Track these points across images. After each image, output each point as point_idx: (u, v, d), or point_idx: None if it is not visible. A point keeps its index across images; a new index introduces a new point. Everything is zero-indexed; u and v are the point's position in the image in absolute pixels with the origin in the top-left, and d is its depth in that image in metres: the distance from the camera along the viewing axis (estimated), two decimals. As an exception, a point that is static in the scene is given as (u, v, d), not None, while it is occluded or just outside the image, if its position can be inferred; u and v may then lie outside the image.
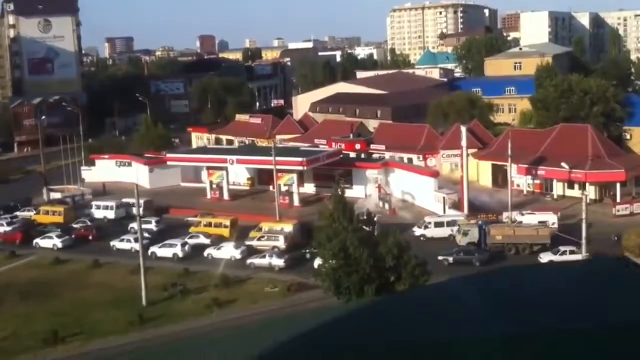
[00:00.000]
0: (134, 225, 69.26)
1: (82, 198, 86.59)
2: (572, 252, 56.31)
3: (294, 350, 5.04)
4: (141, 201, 78.14)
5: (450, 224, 65.15)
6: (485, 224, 63.30)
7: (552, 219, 64.96)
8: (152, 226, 69.98)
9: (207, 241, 65.44)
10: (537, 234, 60.73)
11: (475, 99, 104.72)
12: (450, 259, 56.97)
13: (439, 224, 65.56)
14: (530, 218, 65.39)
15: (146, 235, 66.70)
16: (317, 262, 55.40)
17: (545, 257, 56.49)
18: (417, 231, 64.60)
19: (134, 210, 77.15)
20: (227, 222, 68.80)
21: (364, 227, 46.76)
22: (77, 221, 74.76)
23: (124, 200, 79.98)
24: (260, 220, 69.19)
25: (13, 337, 48.23)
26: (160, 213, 76.27)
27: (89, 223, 74.05)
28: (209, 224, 69.29)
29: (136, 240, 65.22)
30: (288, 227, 66.54)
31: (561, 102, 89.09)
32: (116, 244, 67.06)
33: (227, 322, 46.44)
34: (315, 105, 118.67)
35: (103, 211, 78.48)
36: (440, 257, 56.76)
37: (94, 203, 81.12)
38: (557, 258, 55.75)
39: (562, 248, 57.31)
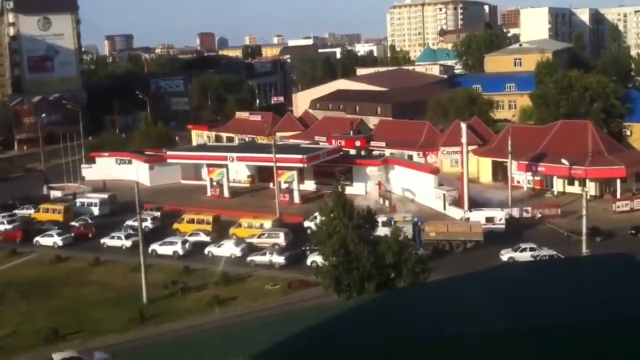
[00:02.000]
0: (129, 222, 69.66)
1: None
2: (532, 250, 56.65)
3: (294, 348, 5.03)
4: (105, 196, 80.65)
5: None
6: (420, 220, 63.30)
7: (499, 215, 65.08)
8: (148, 223, 69.78)
9: (207, 239, 65.54)
10: (470, 231, 60.88)
11: (476, 95, 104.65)
12: None
13: (386, 223, 65.11)
14: (478, 214, 65.37)
15: (133, 232, 67.18)
16: (311, 258, 55.80)
17: (506, 254, 56.75)
18: None
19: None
20: (210, 219, 69.20)
21: (364, 224, 46.70)
22: (77, 219, 74.86)
23: (90, 195, 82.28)
24: (242, 216, 69.76)
25: (14, 335, 48.31)
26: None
27: (89, 221, 74.12)
28: (192, 221, 69.60)
29: (127, 237, 66.21)
30: (267, 223, 66.97)
31: (561, 99, 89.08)
32: (107, 241, 67.25)
33: (228, 320, 46.45)
34: (315, 103, 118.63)
35: (87, 208, 78.97)
36: None
37: (77, 200, 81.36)
38: (517, 255, 56.08)
39: (522, 245, 57.56)
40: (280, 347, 4.99)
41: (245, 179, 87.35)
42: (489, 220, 63.81)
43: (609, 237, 60.41)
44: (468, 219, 64.89)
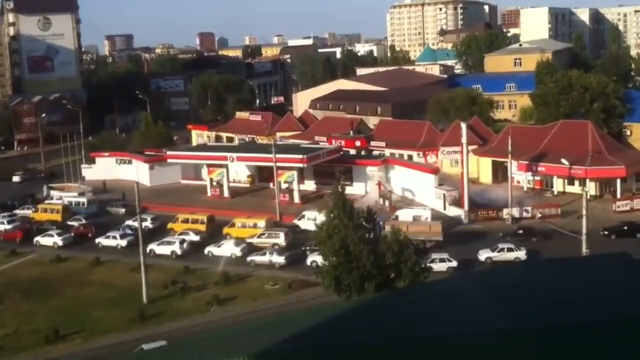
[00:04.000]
0: (129, 222, 69.66)
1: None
2: (510, 250, 57.07)
3: (295, 347, 5.05)
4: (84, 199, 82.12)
5: None
6: (382, 219, 63.13)
7: (425, 214, 65.54)
8: (148, 224, 69.71)
9: (196, 238, 65.54)
10: (430, 231, 61.08)
11: (476, 95, 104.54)
12: None
13: None
14: (405, 213, 65.57)
15: (129, 232, 67.55)
16: (311, 258, 55.79)
17: (483, 254, 57.24)
18: None
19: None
20: (204, 218, 69.37)
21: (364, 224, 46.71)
22: (74, 218, 74.92)
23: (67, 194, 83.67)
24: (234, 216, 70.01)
25: (14, 335, 48.34)
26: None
27: (83, 220, 74.21)
28: (187, 220, 69.74)
29: (122, 237, 66.69)
30: (261, 222, 67.14)
31: (561, 98, 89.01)
32: (102, 240, 67.35)
33: (228, 320, 46.48)
34: (315, 102, 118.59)
35: (76, 207, 79.61)
36: None
37: (68, 200, 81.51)
38: (495, 255, 56.54)
39: (500, 245, 57.88)
40: (281, 346, 5.01)
41: (246, 179, 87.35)
42: (416, 219, 64.18)
43: (545, 237, 60.46)
44: (397, 217, 64.95)
